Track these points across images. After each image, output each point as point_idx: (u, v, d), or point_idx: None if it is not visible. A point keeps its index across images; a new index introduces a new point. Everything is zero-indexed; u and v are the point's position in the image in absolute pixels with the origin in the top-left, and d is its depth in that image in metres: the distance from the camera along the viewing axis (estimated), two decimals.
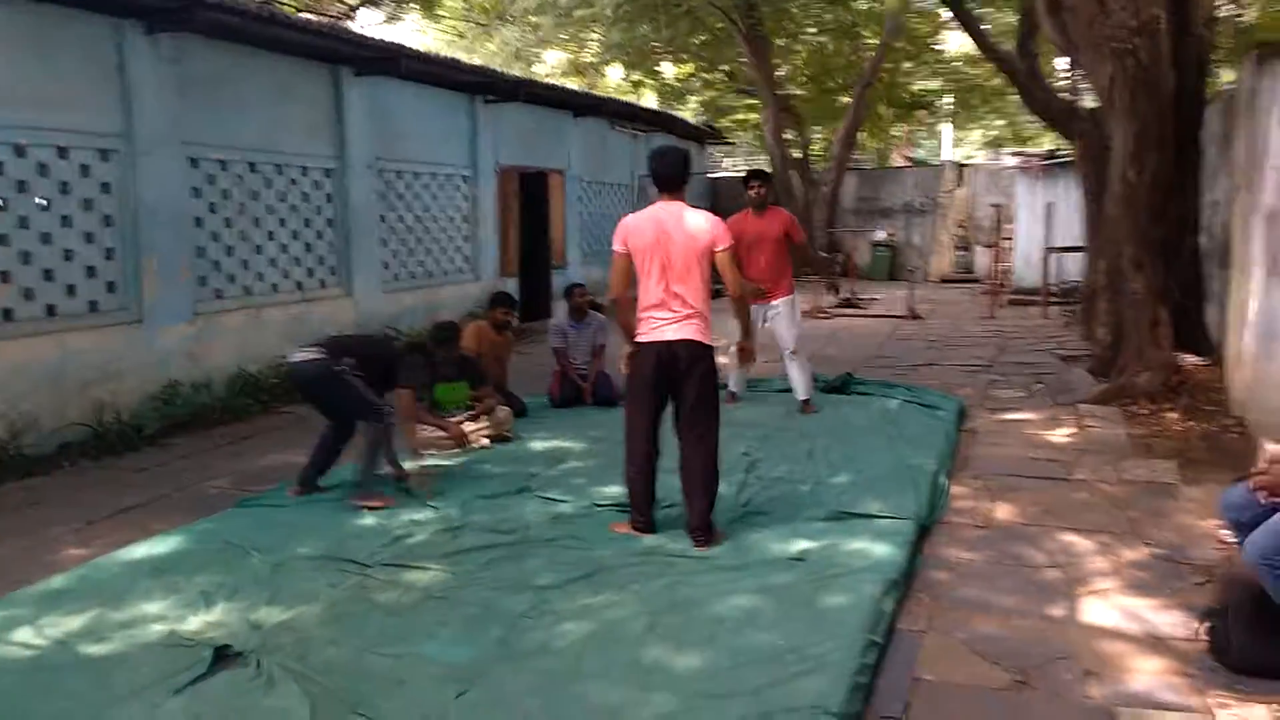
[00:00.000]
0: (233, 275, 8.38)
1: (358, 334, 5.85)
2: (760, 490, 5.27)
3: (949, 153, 27.37)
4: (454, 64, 11.17)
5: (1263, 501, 3.34)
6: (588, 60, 22.10)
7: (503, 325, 7.35)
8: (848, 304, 14.83)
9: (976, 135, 28.36)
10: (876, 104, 22.14)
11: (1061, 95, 11.83)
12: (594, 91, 20.98)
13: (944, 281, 19.31)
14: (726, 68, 21.35)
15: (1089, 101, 10.28)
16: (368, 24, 18.13)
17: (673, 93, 23.00)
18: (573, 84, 22.19)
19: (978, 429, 6.82)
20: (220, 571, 4.23)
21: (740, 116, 24.12)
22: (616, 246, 4.49)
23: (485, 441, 6.40)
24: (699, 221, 4.42)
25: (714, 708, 3.03)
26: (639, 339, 4.44)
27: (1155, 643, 3.48)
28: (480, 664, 3.34)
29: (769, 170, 9.09)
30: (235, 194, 8.39)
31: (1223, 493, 3.76)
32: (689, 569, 4.17)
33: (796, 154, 20.21)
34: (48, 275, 6.73)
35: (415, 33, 22.87)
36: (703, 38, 19.13)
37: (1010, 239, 16.55)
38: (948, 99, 23.92)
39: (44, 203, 6.69)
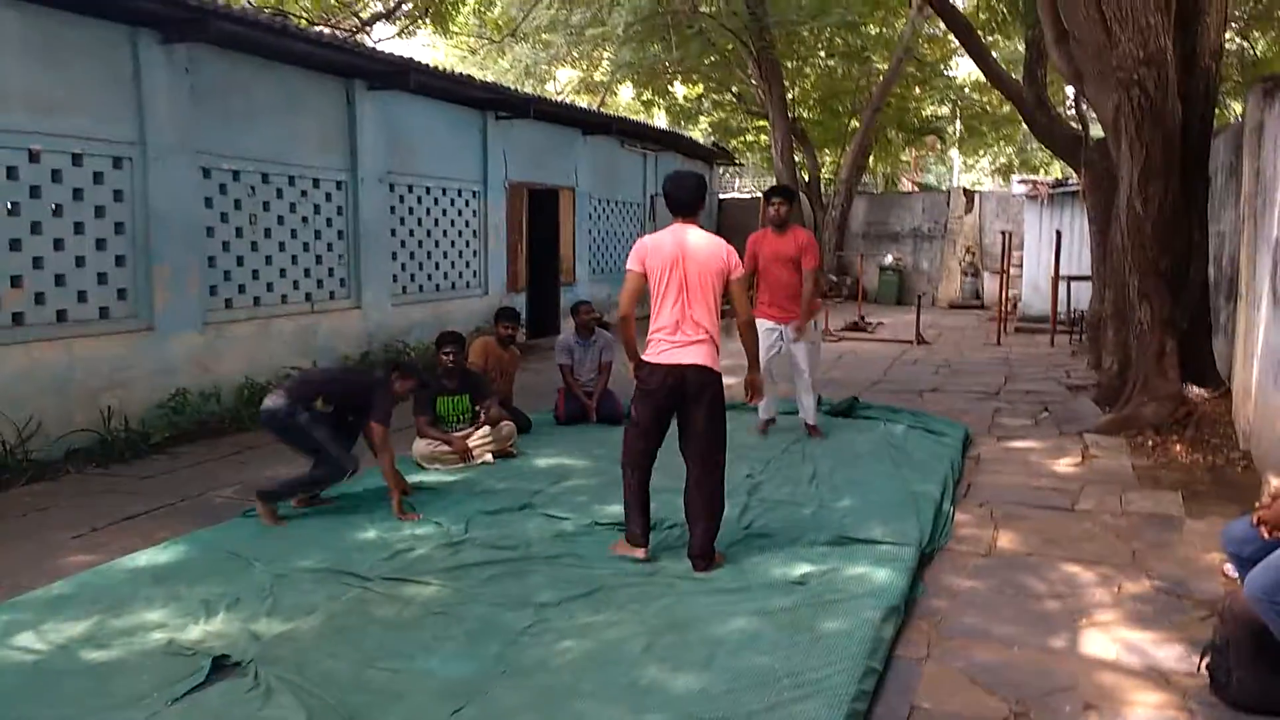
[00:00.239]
0: (243, 285, 8.43)
1: (332, 369, 5.79)
2: (763, 513, 5.27)
3: (958, 178, 27.45)
4: (465, 79, 11.26)
5: (1265, 536, 3.33)
6: (599, 79, 22.24)
7: (507, 340, 7.38)
8: (855, 327, 14.84)
9: (986, 162, 28.45)
10: (886, 128, 22.25)
11: (1069, 125, 11.87)
12: (605, 110, 21.12)
13: (952, 307, 19.32)
14: (736, 89, 21.46)
15: (1096, 131, 10.32)
16: (382, 38, 18.29)
17: (684, 113, 23.13)
18: (584, 102, 22.35)
19: (983, 456, 6.81)
20: (222, 581, 4.25)
21: (750, 138, 24.24)
22: (633, 265, 4.50)
23: (489, 457, 6.42)
24: (715, 247, 4.47)
25: None
26: (648, 358, 4.45)
27: (1156, 677, 3.46)
28: (478, 680, 3.34)
29: (792, 189, 8.56)
30: (246, 204, 8.45)
31: (1225, 526, 3.76)
32: (689, 590, 4.17)
33: (805, 176, 20.30)
34: (59, 281, 6.77)
35: (428, 48, 23.09)
36: (713, 59, 19.25)
37: (1019, 266, 16.56)
38: (957, 125, 24.02)
39: (53, 207, 6.75)
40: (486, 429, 6.50)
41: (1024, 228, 16.71)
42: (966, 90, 22.01)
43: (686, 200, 4.54)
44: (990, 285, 18.24)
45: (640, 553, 4.50)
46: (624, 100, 25.01)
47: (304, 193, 9.14)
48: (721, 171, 23.17)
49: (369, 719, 3.08)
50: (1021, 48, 13.45)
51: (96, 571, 4.40)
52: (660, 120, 23.01)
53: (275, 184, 8.76)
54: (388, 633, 3.75)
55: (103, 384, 6.92)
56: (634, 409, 4.54)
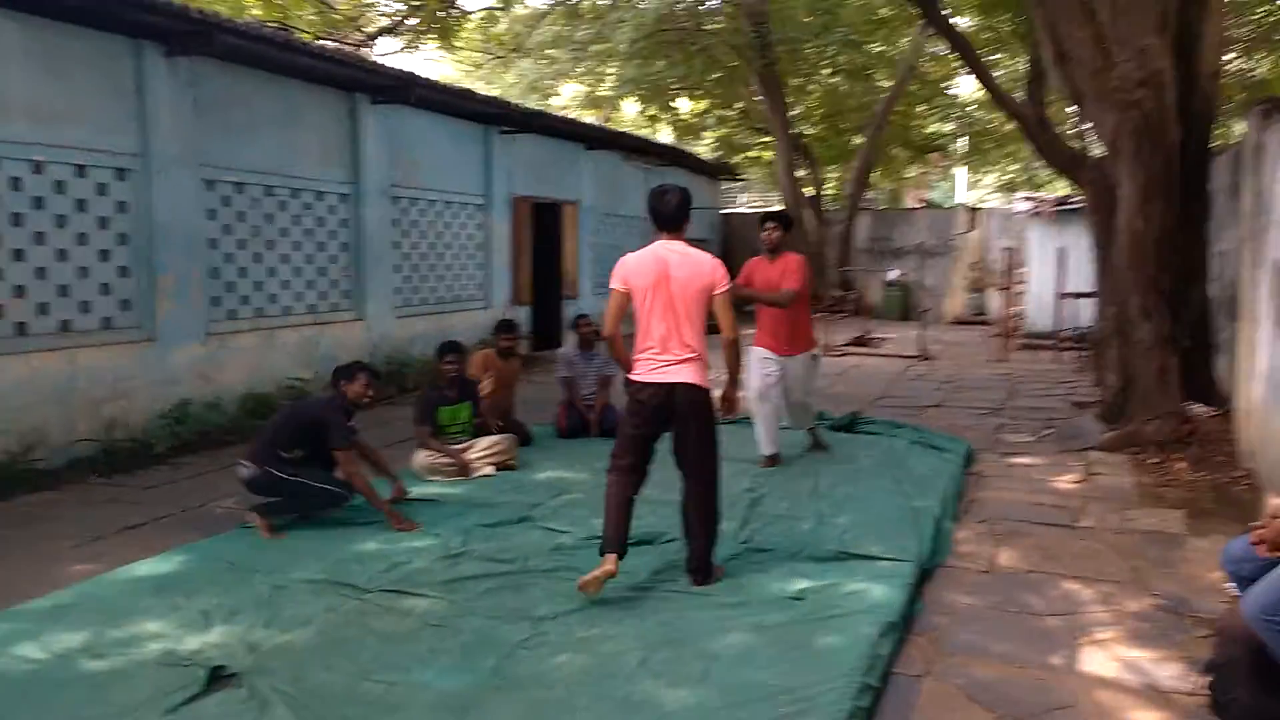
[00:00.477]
0: (246, 297, 8.46)
1: (283, 410, 5.70)
2: (762, 527, 5.26)
3: (963, 195, 27.49)
4: (468, 94, 11.33)
5: (1263, 555, 3.32)
6: (604, 94, 22.33)
7: (506, 352, 7.40)
8: (858, 343, 14.85)
9: (991, 179, 28.50)
10: (890, 145, 22.30)
11: (1071, 143, 11.88)
12: (610, 125, 21.20)
13: (956, 323, 19.33)
14: (740, 105, 21.54)
15: (1099, 150, 10.34)
16: (386, 52, 18.41)
17: (688, 128, 23.21)
18: (589, 117, 22.43)
19: (984, 472, 6.80)
20: (221, 592, 4.25)
21: (754, 154, 24.31)
22: (615, 284, 4.43)
23: (489, 469, 6.42)
24: (700, 262, 4.38)
25: None
26: (637, 377, 4.38)
27: (1155, 695, 3.45)
28: (473, 693, 3.34)
29: (788, 213, 7.74)
30: (250, 216, 8.50)
31: (1225, 545, 3.74)
32: (686, 605, 4.16)
33: (809, 192, 20.34)
34: (62, 291, 6.81)
35: (432, 62, 23.20)
36: (717, 75, 19.33)
37: (1023, 282, 16.57)
38: (961, 142, 24.08)
39: (57, 218, 6.78)
40: (487, 441, 6.51)
41: (1028, 244, 16.73)
42: (970, 108, 22.08)
43: (670, 215, 4.43)
44: (994, 301, 18.24)
45: (609, 564, 4.17)
46: (629, 115, 25.10)
47: (307, 205, 9.18)
48: (726, 187, 23.23)
49: None
50: (1026, 65, 13.49)
51: (96, 581, 4.41)
52: (665, 136, 23.08)
53: (279, 196, 8.81)
54: (384, 645, 3.74)
55: (105, 394, 6.94)
56: (622, 422, 4.51)
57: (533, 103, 18.11)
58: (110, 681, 3.42)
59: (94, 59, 6.96)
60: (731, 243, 20.57)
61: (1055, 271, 14.54)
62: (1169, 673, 3.61)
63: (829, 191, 22.57)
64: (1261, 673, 3.10)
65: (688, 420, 4.36)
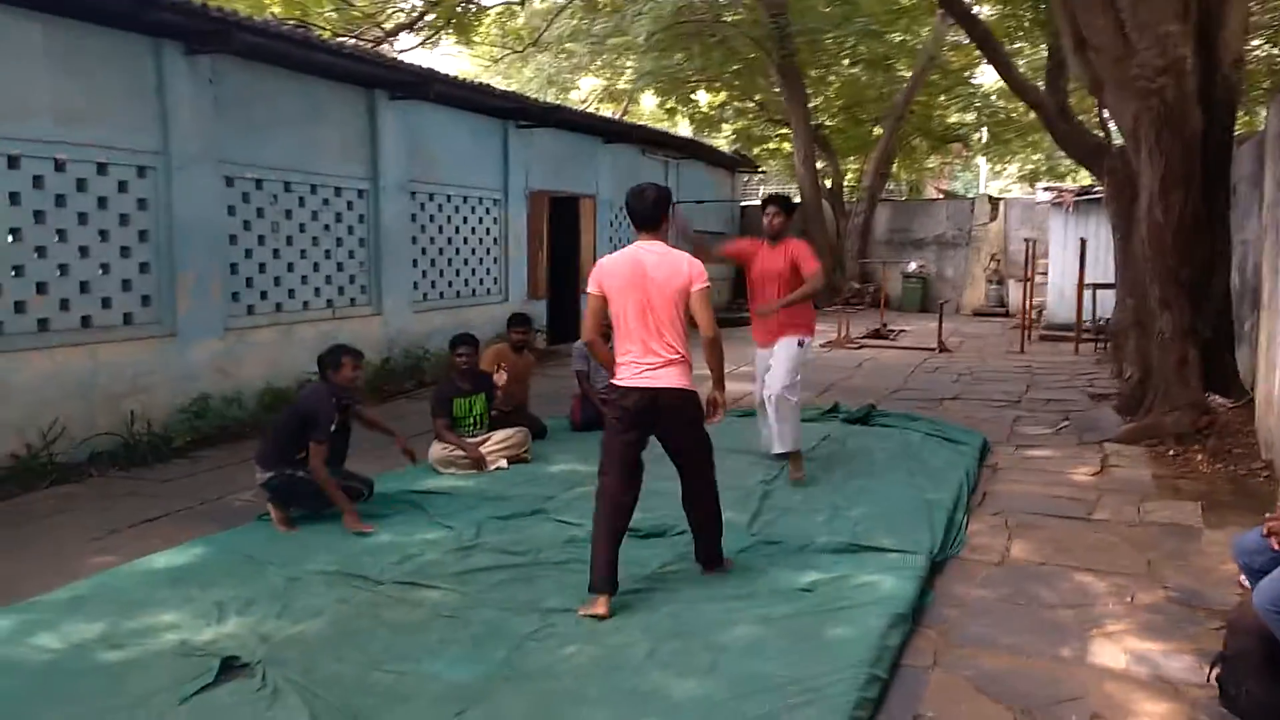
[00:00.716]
0: (264, 292, 8.53)
1: (281, 413, 5.82)
2: (773, 519, 5.26)
3: (985, 186, 27.27)
4: (486, 89, 11.37)
5: (1275, 547, 3.30)
6: (622, 87, 22.32)
7: (520, 345, 7.43)
8: (877, 335, 14.78)
9: (1013, 169, 28.24)
10: (910, 136, 22.15)
11: (1092, 132, 11.76)
12: (629, 118, 21.18)
13: (976, 314, 19.19)
14: (759, 97, 21.47)
15: (1120, 139, 10.24)
16: (405, 48, 18.48)
17: (707, 121, 23.15)
18: (607, 110, 22.43)
19: (1000, 465, 6.76)
20: (236, 584, 4.31)
21: (773, 145, 24.22)
22: (591, 289, 4.29)
23: (503, 463, 6.46)
24: (674, 262, 4.22)
25: None
26: (619, 382, 4.23)
27: (1165, 687, 3.43)
28: (483, 684, 3.37)
29: (792, 197, 7.48)
30: (269, 212, 8.57)
31: (1237, 537, 3.71)
32: (695, 597, 4.17)
33: (828, 184, 20.26)
34: (84, 288, 6.90)
35: (450, 58, 23.29)
36: (735, 67, 19.27)
37: (1043, 274, 16.42)
38: (983, 132, 23.88)
39: (78, 215, 6.87)
40: (501, 434, 6.55)
41: (1049, 235, 16.57)
42: (992, 97, 21.88)
43: (647, 214, 4.29)
44: (1015, 293, 18.09)
45: (600, 606, 3.97)
46: (647, 108, 25.07)
47: (326, 201, 9.24)
48: (745, 179, 23.15)
49: None
50: (1045, 54, 13.37)
51: (114, 573, 4.48)
52: (684, 128, 23.04)
53: (297, 192, 8.87)
54: (395, 636, 3.78)
55: (126, 388, 7.03)
56: (606, 432, 4.31)
57: (551, 97, 18.15)
58: (126, 671, 3.48)
59: (114, 58, 7.04)
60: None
61: (1076, 262, 14.39)
62: (1180, 664, 3.59)
63: (849, 182, 22.46)
64: (1272, 665, 3.08)
65: (675, 426, 4.27)
